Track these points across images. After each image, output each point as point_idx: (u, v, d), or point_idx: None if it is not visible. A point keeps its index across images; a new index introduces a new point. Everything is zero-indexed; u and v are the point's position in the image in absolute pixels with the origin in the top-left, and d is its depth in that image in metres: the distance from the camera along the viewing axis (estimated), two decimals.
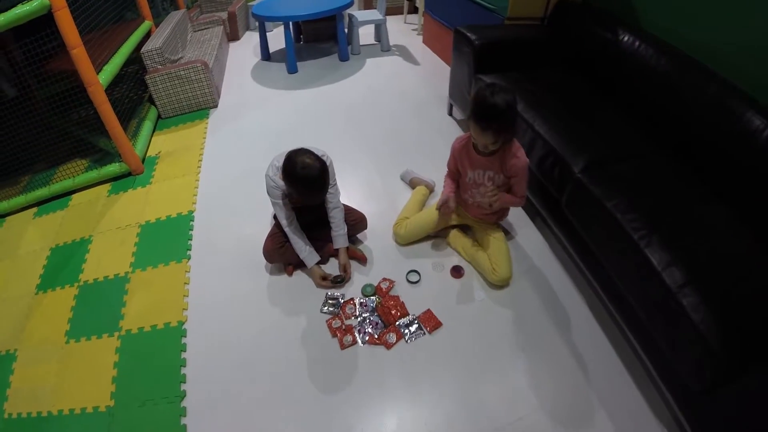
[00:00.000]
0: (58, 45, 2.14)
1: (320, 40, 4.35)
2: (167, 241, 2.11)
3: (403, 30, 4.58)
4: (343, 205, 1.88)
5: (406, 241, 2.00)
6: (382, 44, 4.08)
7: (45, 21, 2.07)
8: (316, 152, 1.61)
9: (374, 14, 4.03)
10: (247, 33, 4.70)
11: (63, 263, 2.07)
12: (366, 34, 4.45)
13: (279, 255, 1.85)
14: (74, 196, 2.50)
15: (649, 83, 1.93)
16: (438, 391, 1.47)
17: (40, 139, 2.42)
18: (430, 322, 1.68)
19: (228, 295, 1.85)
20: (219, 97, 3.40)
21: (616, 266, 1.48)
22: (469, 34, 2.41)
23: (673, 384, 1.31)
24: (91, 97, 2.26)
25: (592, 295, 1.76)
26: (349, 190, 2.29)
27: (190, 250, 2.07)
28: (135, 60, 3.09)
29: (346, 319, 1.71)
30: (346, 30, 3.97)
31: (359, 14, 4.03)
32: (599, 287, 1.62)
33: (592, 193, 1.57)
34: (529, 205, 2.17)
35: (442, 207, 1.81)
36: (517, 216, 2.15)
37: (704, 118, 1.67)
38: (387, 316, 1.69)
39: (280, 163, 1.64)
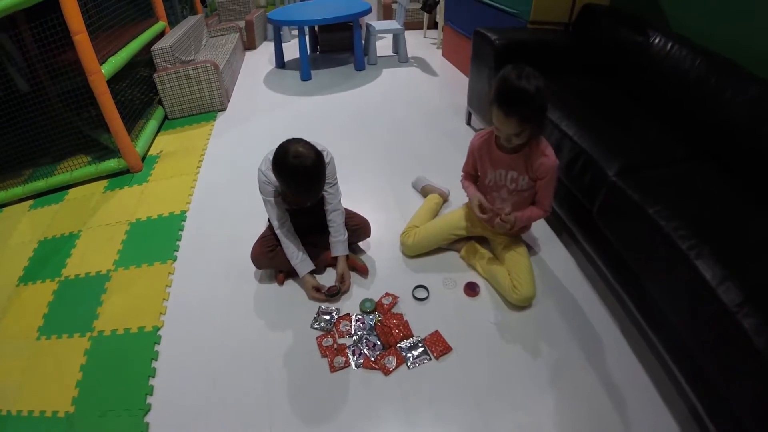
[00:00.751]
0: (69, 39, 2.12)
1: (336, 51, 4.27)
2: (155, 240, 1.99)
3: (422, 44, 4.48)
4: (345, 209, 1.68)
5: (414, 252, 1.77)
6: (400, 55, 3.96)
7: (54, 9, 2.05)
8: (315, 146, 1.42)
9: (392, 24, 3.93)
10: (264, 43, 4.68)
11: (48, 256, 1.99)
12: (383, 47, 4.36)
13: (268, 260, 1.64)
14: (71, 191, 2.44)
15: (684, 88, 1.75)
16: (443, 429, 1.22)
17: (48, 134, 2.43)
18: (437, 345, 1.43)
19: (210, 302, 1.65)
20: (228, 100, 3.30)
21: (659, 283, 1.26)
22: (489, 34, 2.25)
23: (725, 424, 1.06)
24: (92, 86, 2.21)
25: (625, 318, 1.51)
26: (354, 197, 2.09)
27: (177, 251, 1.92)
28: (148, 63, 3.03)
29: (339, 337, 1.48)
30: (363, 39, 3.88)
31: (377, 24, 3.94)
32: (636, 309, 1.39)
33: (630, 198, 1.35)
34: (553, 219, 1.93)
35: (480, 207, 1.54)
36: (540, 230, 1.91)
37: (745, 123, 1.49)
38: (387, 336, 1.45)
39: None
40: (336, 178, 1.64)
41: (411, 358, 1.40)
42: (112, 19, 2.52)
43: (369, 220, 1.79)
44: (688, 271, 1.13)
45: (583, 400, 1.28)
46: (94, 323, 1.62)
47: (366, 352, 1.42)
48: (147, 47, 2.93)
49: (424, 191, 2.13)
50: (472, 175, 1.68)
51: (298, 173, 1.33)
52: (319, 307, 1.58)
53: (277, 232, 1.59)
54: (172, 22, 3.48)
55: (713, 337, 1.06)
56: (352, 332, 1.48)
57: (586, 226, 1.63)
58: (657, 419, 1.22)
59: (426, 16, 4.57)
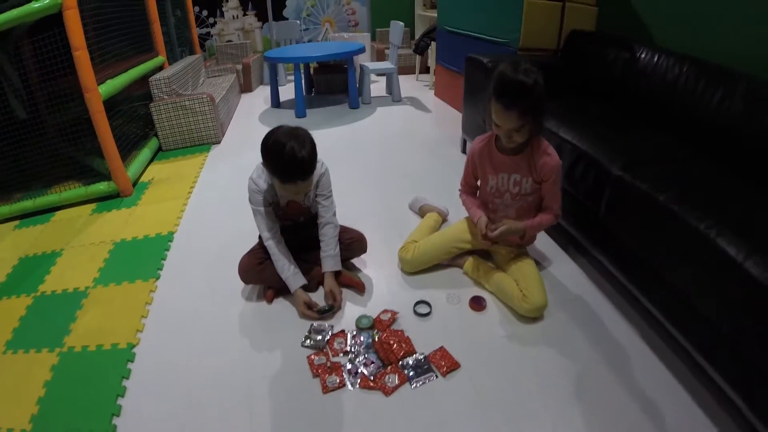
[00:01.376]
0: (69, 65, 2.16)
1: (331, 92, 4.38)
2: (139, 259, 1.89)
3: (415, 86, 4.62)
4: (340, 225, 1.59)
5: (413, 268, 1.66)
6: (393, 95, 4.06)
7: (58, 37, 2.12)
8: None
9: (385, 65, 4.07)
10: (261, 87, 4.80)
11: (27, 273, 1.89)
12: (377, 89, 4.48)
13: (256, 274, 1.52)
14: (58, 213, 2.39)
15: (676, 94, 1.81)
16: None
17: (42, 163, 2.42)
18: (443, 362, 1.28)
19: (192, 320, 1.51)
20: (223, 135, 3.30)
21: (681, 272, 1.17)
22: (481, 58, 2.30)
23: None
24: (87, 104, 2.21)
25: (642, 323, 1.40)
26: (349, 219, 1.98)
27: (161, 269, 1.80)
28: (145, 96, 3.06)
29: (333, 355, 1.32)
30: (357, 79, 3.99)
31: (371, 64, 4.07)
32: (657, 310, 1.28)
33: (638, 189, 1.32)
34: (558, 233, 1.84)
35: (487, 227, 1.45)
36: (545, 245, 1.81)
37: (740, 117, 1.53)
38: (387, 353, 1.30)
39: None
40: (330, 191, 1.56)
41: (415, 376, 1.24)
42: (112, 52, 2.58)
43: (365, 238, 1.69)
44: (710, 251, 1.07)
45: (613, 412, 1.12)
46: (65, 339, 1.48)
47: (363, 370, 1.26)
48: (145, 80, 2.97)
49: (422, 211, 2.05)
50: (471, 186, 1.61)
51: (288, 152, 1.25)
52: (311, 324, 1.43)
53: (267, 244, 1.48)
54: (171, 61, 3.56)
55: (752, 320, 0.95)
56: (348, 349, 1.33)
57: (593, 232, 1.56)
58: (692, 422, 1.07)
59: (418, 59, 4.76)
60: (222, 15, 4.93)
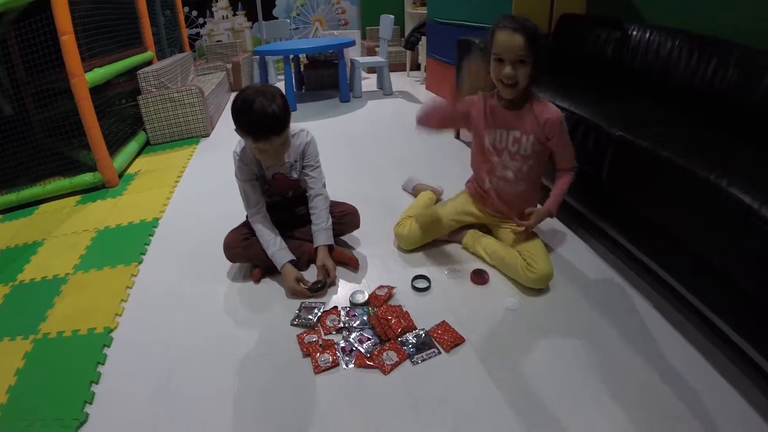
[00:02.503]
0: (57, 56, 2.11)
1: (321, 88, 4.31)
2: (122, 245, 1.80)
3: (406, 81, 4.56)
4: (331, 200, 1.50)
5: (410, 244, 1.56)
6: (385, 88, 4.00)
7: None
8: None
9: (376, 58, 4.01)
10: None
11: (5, 264, 1.80)
12: (367, 84, 4.42)
13: (242, 251, 1.42)
14: (42, 206, 2.29)
15: (671, 67, 1.77)
16: None
17: (29, 160, 2.35)
18: (446, 336, 1.18)
19: (174, 301, 1.41)
20: (213, 128, 3.21)
21: (690, 228, 1.12)
22: (472, 39, 2.24)
23: None
24: (73, 89, 2.14)
25: (651, 291, 1.33)
26: (340, 197, 1.90)
27: (144, 254, 1.70)
28: (134, 94, 2.96)
29: (325, 333, 1.21)
30: (348, 74, 3.93)
31: (362, 58, 4.02)
32: (666, 271, 1.22)
33: (641, 147, 1.26)
34: (563, 212, 1.75)
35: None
36: (552, 224, 1.72)
37: (736, 82, 1.50)
38: (384, 328, 1.19)
39: None
40: (318, 161, 1.48)
41: (415, 352, 1.13)
42: (100, 42, 2.53)
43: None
44: (723, 201, 1.00)
45: (630, 384, 1.03)
46: (40, 325, 1.39)
47: (359, 348, 1.15)
48: (134, 77, 2.89)
49: (416, 190, 1.96)
50: (452, 117, 1.37)
51: (255, 105, 1.19)
52: (301, 302, 1.32)
53: (252, 219, 1.39)
54: (160, 58, 3.48)
55: None
56: (342, 326, 1.22)
57: (597, 202, 1.50)
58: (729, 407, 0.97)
59: (408, 55, 4.71)
60: (212, 15, 4.87)
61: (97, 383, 1.14)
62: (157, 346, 1.23)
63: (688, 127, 1.41)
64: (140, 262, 1.63)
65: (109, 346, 1.25)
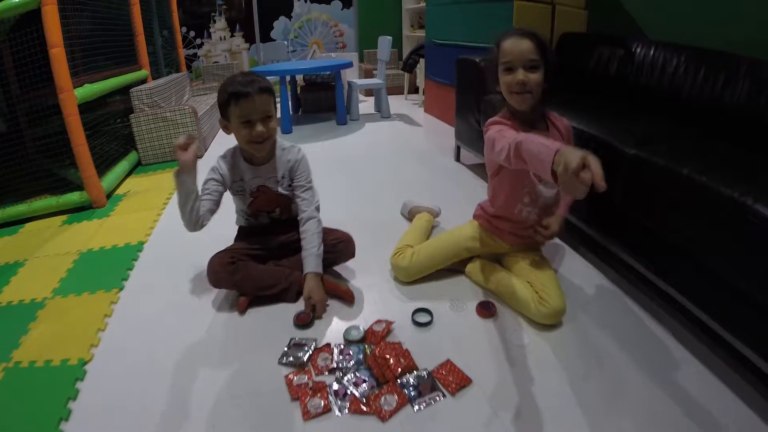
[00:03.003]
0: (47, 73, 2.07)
1: (319, 111, 4.28)
2: (103, 269, 1.70)
3: (404, 104, 4.55)
4: (324, 227, 1.41)
5: (410, 276, 1.45)
6: (382, 111, 3.97)
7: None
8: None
9: (374, 80, 4.00)
10: None
11: None
12: (365, 107, 4.40)
13: (227, 276, 1.31)
14: (27, 224, 2.20)
15: (677, 83, 1.75)
16: None
17: (19, 177, 2.29)
18: (451, 377, 1.06)
19: (154, 333, 1.29)
20: (206, 150, 3.13)
21: (714, 249, 1.04)
22: (472, 58, 2.20)
23: None
24: (61, 105, 2.08)
25: (671, 321, 1.23)
26: (335, 224, 1.80)
27: (126, 280, 1.59)
28: (126, 113, 2.90)
29: (316, 374, 1.09)
30: (345, 96, 3.90)
31: (359, 80, 4.00)
32: (687, 298, 1.13)
33: (657, 165, 1.19)
34: (567, 233, 1.67)
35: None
36: (556, 245, 1.64)
37: (746, 96, 1.49)
38: (382, 369, 1.08)
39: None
40: (310, 180, 1.41)
41: (417, 396, 1.02)
42: (92, 57, 2.50)
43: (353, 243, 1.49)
44: (749, 217, 0.93)
45: (655, 421, 0.92)
46: (13, 353, 1.29)
47: (354, 391, 1.04)
48: (127, 97, 2.83)
49: (411, 214, 1.87)
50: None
51: (237, 75, 1.28)
52: (291, 339, 1.21)
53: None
54: (156, 78, 3.44)
55: None
56: (335, 366, 1.11)
57: (609, 224, 1.41)
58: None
59: (406, 78, 4.71)
60: (209, 36, 4.88)
61: (66, 420, 1.02)
62: (133, 383, 1.11)
63: (701, 143, 1.36)
64: (121, 289, 1.52)
65: (82, 380, 1.14)
